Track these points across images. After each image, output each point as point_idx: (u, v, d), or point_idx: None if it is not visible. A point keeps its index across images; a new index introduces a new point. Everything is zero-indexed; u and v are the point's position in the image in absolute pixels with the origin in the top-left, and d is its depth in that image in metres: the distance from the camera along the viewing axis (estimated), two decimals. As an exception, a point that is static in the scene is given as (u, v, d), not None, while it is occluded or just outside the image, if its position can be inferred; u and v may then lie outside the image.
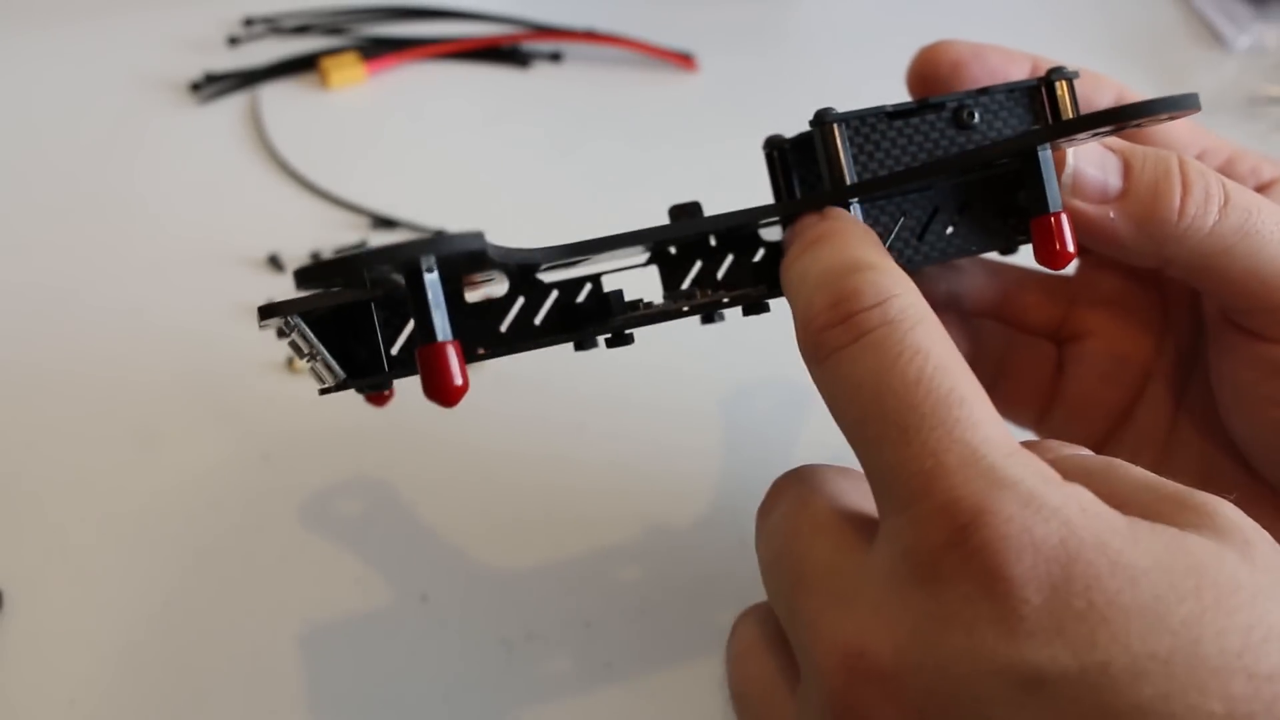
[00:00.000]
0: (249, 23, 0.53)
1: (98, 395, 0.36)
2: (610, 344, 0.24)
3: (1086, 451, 0.21)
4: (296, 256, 0.41)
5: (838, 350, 0.20)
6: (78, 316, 0.39)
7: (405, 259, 0.19)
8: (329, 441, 0.35)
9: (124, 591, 0.31)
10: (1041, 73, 0.25)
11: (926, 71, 0.26)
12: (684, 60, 0.52)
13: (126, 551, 0.32)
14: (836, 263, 0.21)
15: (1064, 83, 0.24)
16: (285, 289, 0.40)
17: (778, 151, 0.26)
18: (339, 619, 0.31)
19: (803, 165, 0.26)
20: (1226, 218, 0.23)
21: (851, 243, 0.22)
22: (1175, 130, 0.26)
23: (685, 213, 0.24)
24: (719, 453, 0.36)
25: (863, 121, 0.24)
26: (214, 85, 0.49)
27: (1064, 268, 0.24)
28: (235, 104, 0.49)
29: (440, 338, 0.20)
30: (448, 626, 0.31)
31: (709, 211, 0.24)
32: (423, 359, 0.20)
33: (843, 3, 0.57)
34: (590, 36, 0.52)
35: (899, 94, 0.52)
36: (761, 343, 0.41)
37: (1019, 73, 0.26)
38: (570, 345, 0.24)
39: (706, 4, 0.56)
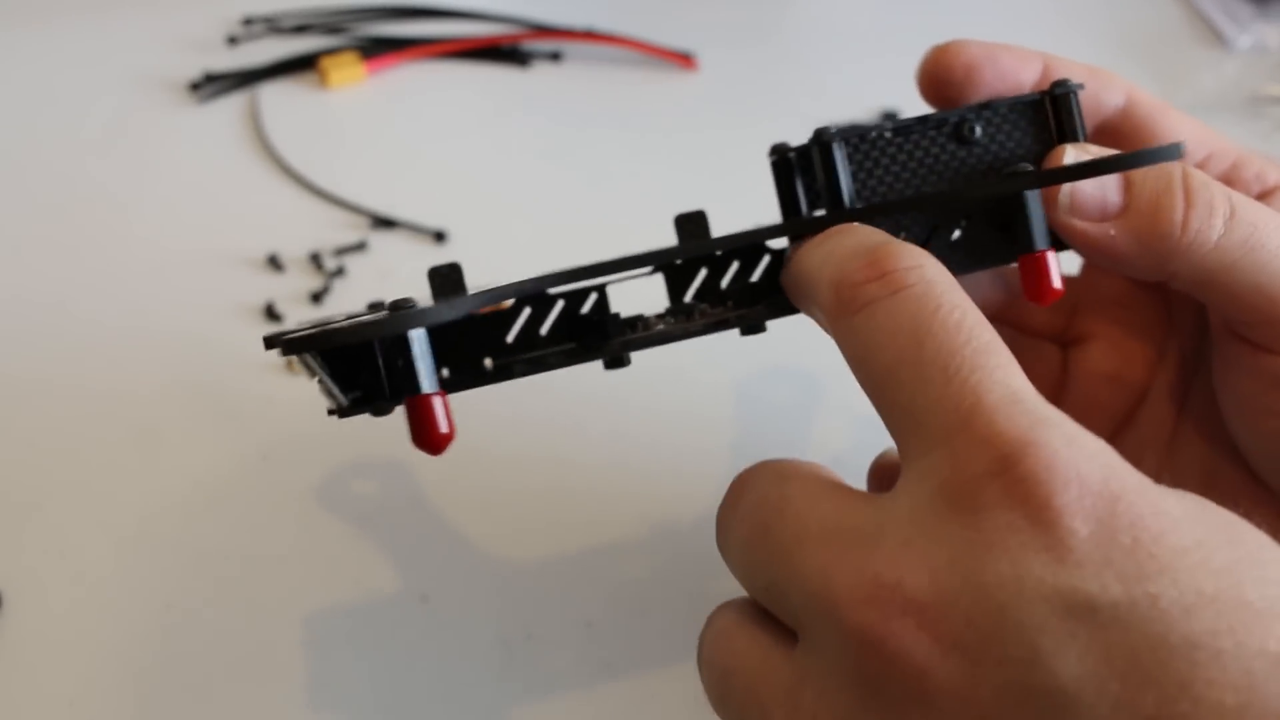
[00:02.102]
0: (248, 22, 0.53)
1: (97, 395, 0.36)
2: (607, 366, 0.24)
3: None
4: (296, 256, 0.41)
5: (874, 301, 0.20)
6: (76, 317, 0.39)
7: (386, 334, 0.20)
8: (328, 442, 0.35)
9: (124, 592, 0.31)
10: (1053, 75, 0.25)
11: (938, 73, 0.26)
12: (684, 59, 0.52)
13: (126, 552, 0.32)
14: (863, 238, 0.22)
15: (1068, 96, 0.24)
16: (285, 289, 0.40)
17: (783, 160, 0.26)
18: (339, 619, 0.31)
19: (808, 174, 0.26)
20: (1232, 232, 0.22)
21: (872, 230, 0.22)
22: (1183, 132, 0.26)
23: (691, 222, 0.24)
24: (720, 453, 0.36)
25: (862, 139, 0.24)
26: (213, 85, 0.49)
27: (1051, 304, 0.24)
28: (234, 103, 0.49)
29: (425, 389, 0.20)
30: (448, 627, 0.31)
31: (712, 214, 0.24)
32: (409, 409, 0.20)
33: (843, 1, 0.57)
34: (590, 36, 0.52)
35: (899, 92, 0.52)
36: (762, 343, 0.41)
37: (1030, 74, 0.26)
38: (574, 362, 0.24)
39: (706, 3, 0.56)
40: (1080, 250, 0.24)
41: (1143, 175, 0.23)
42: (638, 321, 0.24)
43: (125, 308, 0.40)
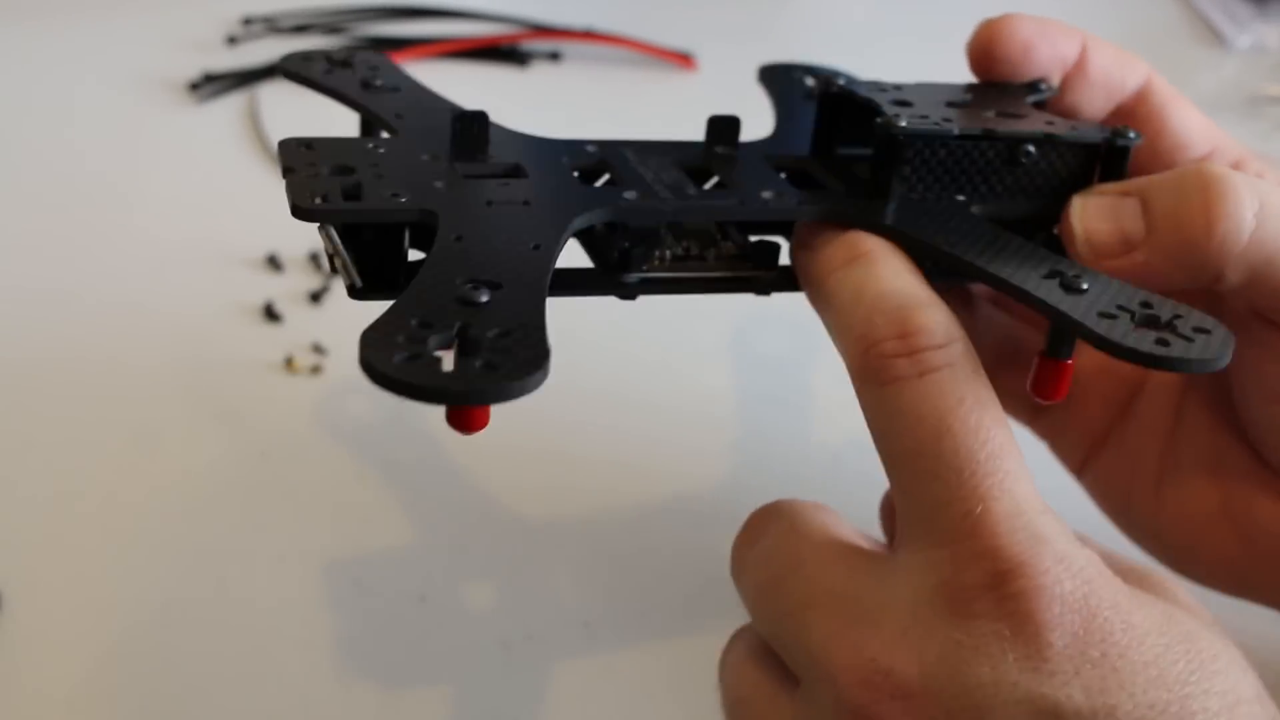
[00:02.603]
0: (248, 22, 0.53)
1: (96, 394, 0.36)
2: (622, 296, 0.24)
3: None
4: (295, 256, 0.41)
5: (901, 380, 0.21)
6: (76, 315, 0.39)
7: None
8: (327, 441, 0.35)
9: (122, 591, 0.31)
10: (1090, 52, 0.25)
11: (993, 49, 0.25)
12: (683, 59, 0.52)
13: (125, 551, 0.32)
14: (895, 290, 0.22)
15: (1127, 150, 0.24)
16: (284, 288, 0.40)
17: (834, 101, 0.26)
18: (338, 619, 0.31)
19: (853, 126, 0.25)
20: (1264, 225, 0.22)
21: (903, 271, 0.22)
22: (1190, 125, 0.26)
23: (727, 125, 0.25)
24: (720, 452, 0.36)
25: (927, 141, 0.23)
26: (213, 84, 0.49)
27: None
28: (234, 103, 0.49)
29: None
30: (446, 627, 0.31)
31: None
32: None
33: (841, 1, 0.57)
34: (589, 36, 0.52)
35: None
36: (762, 343, 0.41)
37: (1073, 50, 0.26)
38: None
39: (705, 3, 0.56)
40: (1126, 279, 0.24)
41: (1158, 191, 0.23)
42: (654, 248, 0.24)
43: (125, 306, 0.40)
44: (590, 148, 0.25)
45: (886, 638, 0.19)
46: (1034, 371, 0.23)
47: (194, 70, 0.50)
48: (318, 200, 0.21)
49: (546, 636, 0.30)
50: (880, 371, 0.21)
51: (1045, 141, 0.24)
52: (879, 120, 0.23)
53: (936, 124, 0.23)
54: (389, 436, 0.35)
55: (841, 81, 0.26)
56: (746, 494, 0.35)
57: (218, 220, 0.43)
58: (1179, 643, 0.19)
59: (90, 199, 0.44)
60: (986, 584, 0.19)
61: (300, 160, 0.23)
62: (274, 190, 0.44)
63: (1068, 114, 0.26)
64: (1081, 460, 0.29)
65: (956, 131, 0.23)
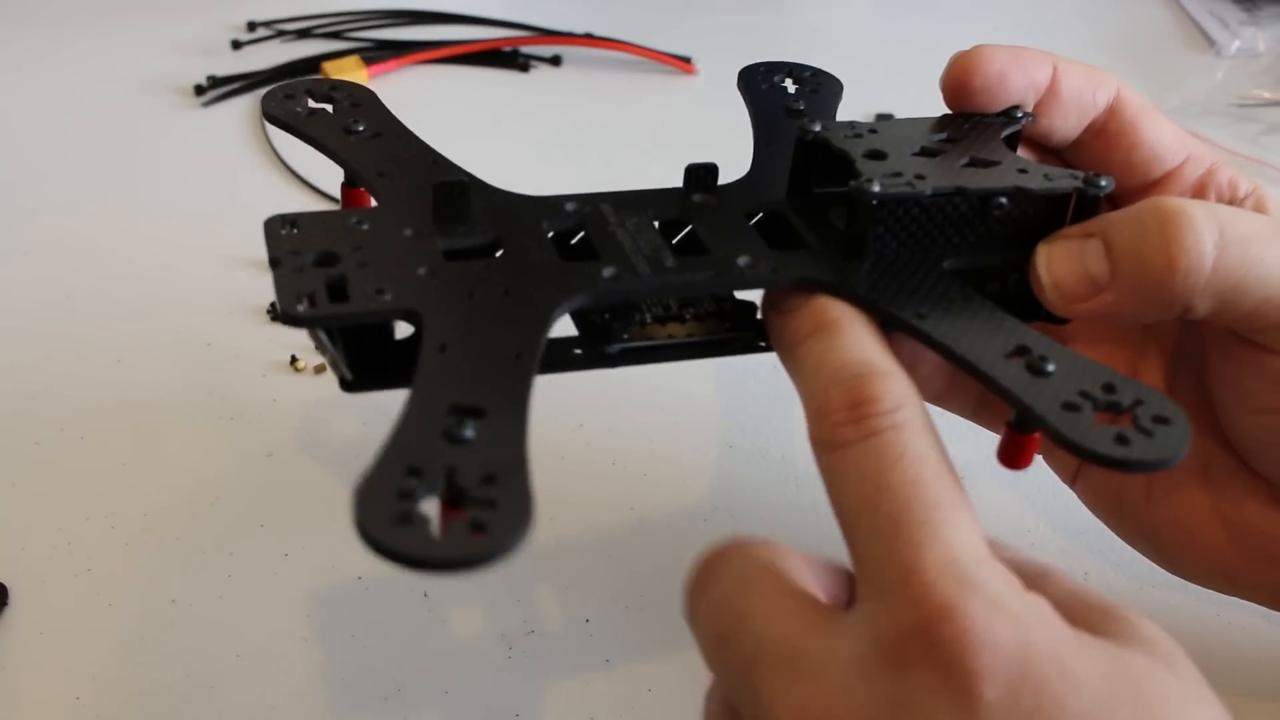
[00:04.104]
0: (252, 27, 0.54)
1: (103, 394, 0.37)
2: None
3: (1025, 556, 0.22)
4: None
5: (847, 445, 0.21)
6: (82, 316, 0.40)
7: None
8: (332, 440, 0.36)
9: (129, 588, 0.31)
10: (1061, 75, 0.25)
11: (967, 79, 0.26)
12: (682, 64, 0.52)
13: (132, 548, 0.32)
14: (853, 361, 0.22)
15: (1097, 200, 0.24)
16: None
17: (809, 148, 0.26)
18: (342, 615, 0.31)
19: (828, 175, 0.26)
20: (1225, 254, 0.22)
21: (864, 340, 0.23)
22: (1163, 136, 0.27)
23: (705, 172, 0.26)
24: (718, 451, 0.36)
25: (900, 202, 0.24)
26: (218, 88, 0.50)
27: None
28: (239, 107, 0.49)
29: None
30: (448, 623, 0.31)
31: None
32: None
33: (839, 7, 0.58)
34: (590, 40, 0.53)
35: (892, 95, 0.52)
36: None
37: (1044, 75, 0.26)
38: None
39: (705, 8, 0.57)
40: (1092, 321, 0.24)
41: (1118, 231, 0.23)
42: (635, 317, 0.25)
43: (130, 307, 0.40)
44: (569, 205, 0.26)
45: (829, 694, 0.19)
46: (1002, 442, 0.23)
47: (199, 74, 0.50)
48: (304, 306, 0.22)
49: (548, 633, 0.31)
50: (828, 440, 0.21)
51: (1016, 194, 0.24)
52: (852, 184, 0.24)
53: (909, 184, 0.24)
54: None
55: (815, 126, 0.26)
56: (744, 493, 0.35)
57: (222, 221, 0.44)
58: (1124, 689, 0.19)
59: (96, 201, 0.44)
60: (916, 631, 0.19)
61: (284, 247, 0.23)
62: (278, 192, 0.45)
63: (1042, 137, 0.27)
64: (1073, 472, 0.29)
65: (929, 192, 0.24)
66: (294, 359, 0.38)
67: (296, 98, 0.28)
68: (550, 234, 0.25)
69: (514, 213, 0.26)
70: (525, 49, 0.53)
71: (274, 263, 0.23)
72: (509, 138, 0.49)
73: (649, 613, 0.31)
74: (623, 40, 0.53)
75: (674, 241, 0.26)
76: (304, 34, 0.54)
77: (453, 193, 0.25)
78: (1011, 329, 0.23)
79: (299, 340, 0.39)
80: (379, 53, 0.52)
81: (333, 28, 0.54)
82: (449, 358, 0.22)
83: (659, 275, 0.24)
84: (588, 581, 0.32)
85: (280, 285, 0.22)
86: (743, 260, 0.24)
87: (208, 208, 0.44)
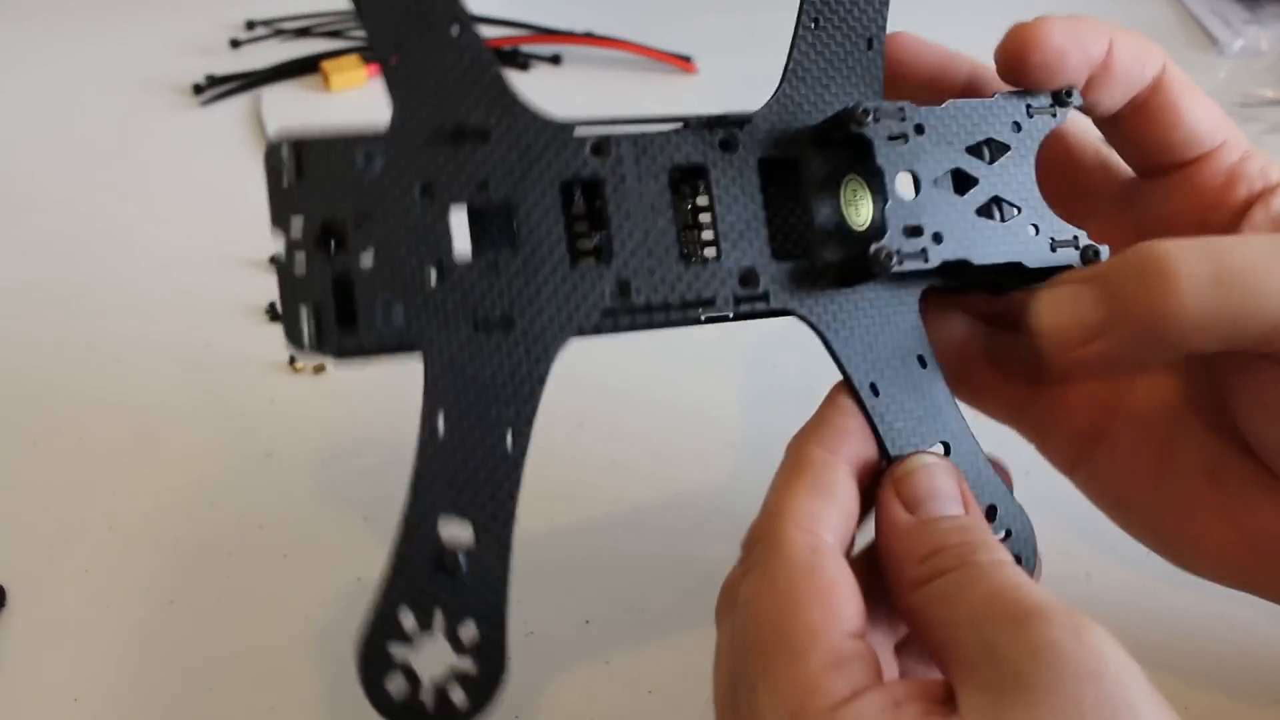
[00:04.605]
0: (251, 25, 0.54)
1: (101, 393, 0.37)
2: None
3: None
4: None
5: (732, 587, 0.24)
6: (81, 316, 0.40)
7: None
8: (331, 440, 0.36)
9: (127, 589, 0.31)
10: (1118, 49, 0.25)
11: (1026, 56, 0.25)
12: (683, 63, 0.52)
13: (130, 549, 0.32)
14: (768, 506, 0.24)
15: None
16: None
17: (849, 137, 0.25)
18: (341, 616, 0.31)
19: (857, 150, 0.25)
20: (1224, 288, 0.22)
21: (790, 488, 0.24)
22: (1200, 118, 0.26)
23: (734, 123, 0.25)
24: (718, 452, 0.36)
25: (907, 271, 0.24)
26: (217, 87, 0.50)
27: None
28: (238, 106, 0.49)
29: None
30: (448, 623, 0.31)
31: None
32: None
33: (840, 6, 0.58)
34: (590, 39, 0.53)
35: (894, 95, 0.51)
36: (761, 343, 0.41)
37: (1101, 49, 0.25)
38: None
39: (705, 7, 0.57)
40: (1101, 375, 0.24)
41: (1113, 277, 0.23)
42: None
43: (129, 307, 0.40)
44: (588, 149, 0.25)
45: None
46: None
47: (198, 73, 0.50)
48: (309, 334, 0.22)
49: (547, 633, 0.31)
50: (725, 590, 0.24)
51: (1014, 269, 0.25)
52: (875, 248, 0.23)
53: (923, 253, 0.24)
54: (391, 435, 0.36)
55: (867, 119, 0.25)
56: (744, 494, 0.35)
57: (221, 221, 0.43)
58: None
59: (95, 201, 0.44)
60: None
61: (286, 205, 0.22)
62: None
63: (1085, 110, 0.26)
64: (1073, 460, 0.29)
65: (937, 265, 0.24)
66: (293, 359, 0.38)
67: None
68: (563, 210, 0.24)
69: (530, 154, 0.24)
70: (525, 48, 0.53)
71: (274, 260, 0.22)
72: (509, 137, 0.48)
73: (649, 614, 0.31)
74: (623, 39, 0.53)
75: (682, 228, 0.25)
76: (303, 33, 0.54)
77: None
78: (945, 423, 0.25)
79: (298, 340, 0.39)
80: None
81: (332, 26, 0.54)
82: (446, 445, 0.23)
83: (649, 314, 0.24)
84: (588, 582, 0.32)
85: (285, 307, 0.22)
86: (729, 289, 0.24)
87: (207, 207, 0.44)
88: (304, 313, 0.22)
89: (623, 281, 0.24)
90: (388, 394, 0.37)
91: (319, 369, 0.38)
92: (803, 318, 0.24)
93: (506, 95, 0.24)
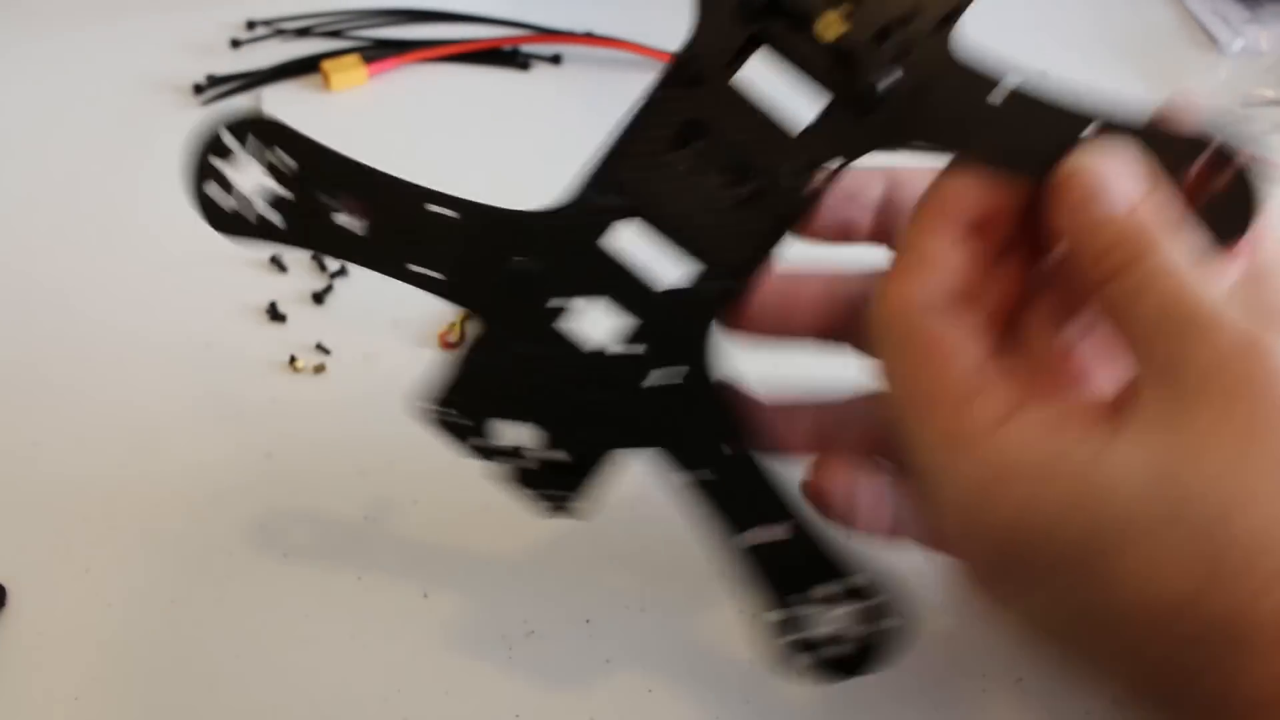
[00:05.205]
0: (251, 25, 0.54)
1: (102, 394, 0.37)
2: None
3: None
4: (298, 256, 0.42)
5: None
6: (81, 317, 0.40)
7: None
8: (331, 440, 0.36)
9: (127, 588, 0.31)
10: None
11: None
12: (683, 63, 0.52)
13: (130, 548, 0.32)
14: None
15: None
16: (288, 289, 0.41)
17: None
18: (341, 616, 0.31)
19: None
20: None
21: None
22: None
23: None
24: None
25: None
26: (217, 87, 0.50)
27: None
28: (238, 105, 0.49)
29: None
30: (449, 623, 0.31)
31: None
32: None
33: (840, 5, 0.57)
34: (590, 39, 0.53)
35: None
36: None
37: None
38: None
39: (705, 7, 0.57)
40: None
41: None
42: None
43: (130, 306, 0.40)
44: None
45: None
46: None
47: (198, 73, 0.50)
48: None
49: (548, 632, 0.31)
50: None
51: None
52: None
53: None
54: (391, 435, 0.36)
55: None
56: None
57: (222, 222, 0.43)
58: None
59: (95, 200, 0.44)
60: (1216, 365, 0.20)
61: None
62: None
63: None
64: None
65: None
66: (293, 359, 0.38)
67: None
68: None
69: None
70: (525, 48, 0.53)
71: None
72: (509, 137, 0.49)
73: (649, 613, 0.31)
74: (624, 39, 0.53)
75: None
76: (303, 32, 0.54)
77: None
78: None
79: (298, 340, 0.39)
80: (379, 51, 0.52)
81: (332, 26, 0.54)
82: None
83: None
84: (588, 582, 0.32)
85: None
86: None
87: (207, 207, 0.44)
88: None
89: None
90: (388, 394, 0.37)
91: (319, 369, 0.38)
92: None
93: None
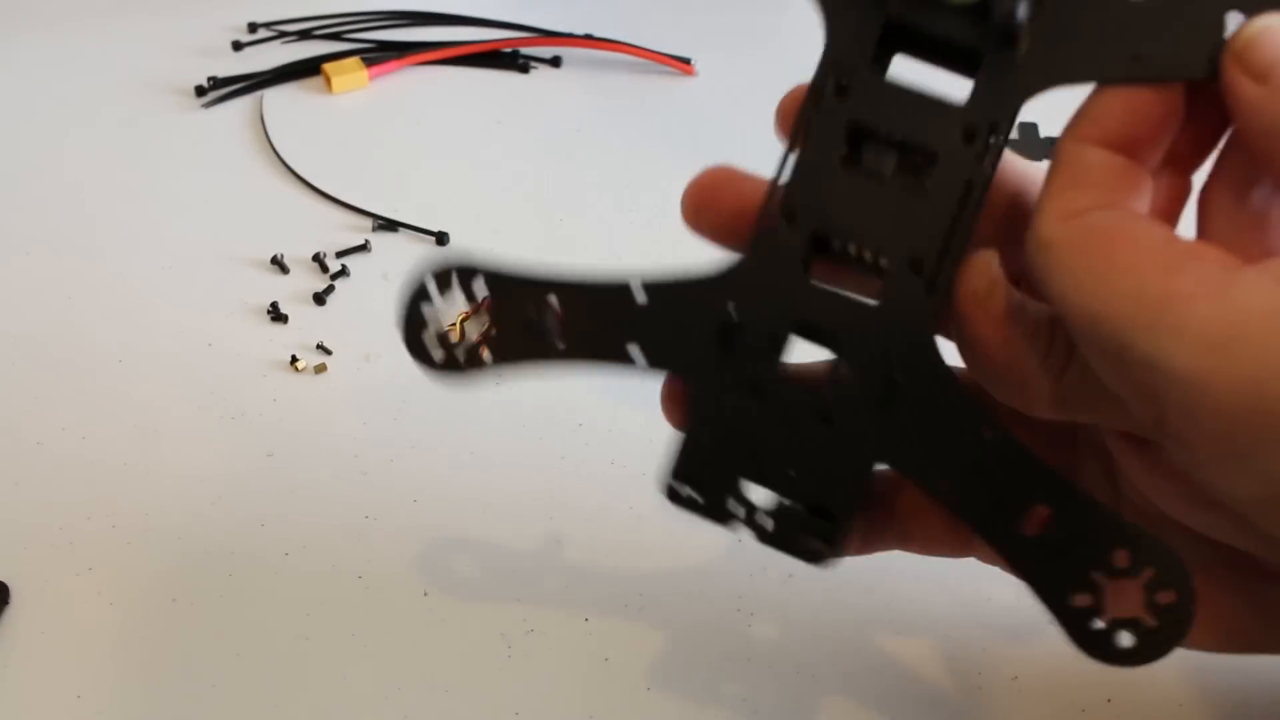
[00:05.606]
0: (253, 28, 0.54)
1: (104, 394, 0.37)
2: None
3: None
4: (300, 257, 0.42)
5: None
6: (83, 316, 0.40)
7: None
8: (332, 439, 0.36)
9: (130, 587, 0.32)
10: None
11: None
12: (682, 65, 0.52)
13: (132, 547, 0.33)
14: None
15: None
16: (289, 289, 0.41)
17: None
18: (342, 613, 0.31)
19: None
20: None
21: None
22: None
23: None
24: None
25: None
26: (219, 89, 0.50)
27: None
28: (240, 107, 0.50)
29: None
30: (448, 622, 0.31)
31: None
32: None
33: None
34: (589, 41, 0.53)
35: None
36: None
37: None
38: None
39: (704, 9, 0.57)
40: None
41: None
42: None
43: (132, 307, 0.40)
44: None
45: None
46: None
47: (200, 75, 0.50)
48: None
49: (547, 631, 0.31)
50: None
51: None
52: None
53: None
54: (392, 434, 0.36)
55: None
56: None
57: (224, 222, 0.44)
58: None
59: (97, 202, 0.45)
60: None
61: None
62: (279, 193, 0.45)
63: None
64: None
65: None
66: (294, 359, 0.38)
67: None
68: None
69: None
70: (525, 50, 0.53)
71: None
72: (509, 138, 0.49)
73: (648, 611, 0.31)
74: (622, 41, 0.53)
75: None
76: (305, 35, 0.54)
77: None
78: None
79: (299, 340, 0.39)
80: (379, 54, 0.52)
81: (333, 29, 0.54)
82: None
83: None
84: (587, 580, 0.32)
85: None
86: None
87: (209, 208, 0.44)
88: None
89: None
90: (389, 394, 0.37)
91: (320, 368, 0.38)
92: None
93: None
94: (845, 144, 0.23)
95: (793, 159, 0.23)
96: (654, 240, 0.43)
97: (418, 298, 0.25)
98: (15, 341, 0.39)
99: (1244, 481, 0.20)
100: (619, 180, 0.46)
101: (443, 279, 0.25)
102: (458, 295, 0.25)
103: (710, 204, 0.25)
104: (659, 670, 0.30)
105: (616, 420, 0.37)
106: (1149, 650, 0.22)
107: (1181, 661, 0.28)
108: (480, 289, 0.25)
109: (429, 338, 0.26)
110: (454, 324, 0.25)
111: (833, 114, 0.23)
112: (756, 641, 0.31)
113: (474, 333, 0.25)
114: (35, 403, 0.37)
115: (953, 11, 0.22)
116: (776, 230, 0.23)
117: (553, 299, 0.25)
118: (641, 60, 0.53)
